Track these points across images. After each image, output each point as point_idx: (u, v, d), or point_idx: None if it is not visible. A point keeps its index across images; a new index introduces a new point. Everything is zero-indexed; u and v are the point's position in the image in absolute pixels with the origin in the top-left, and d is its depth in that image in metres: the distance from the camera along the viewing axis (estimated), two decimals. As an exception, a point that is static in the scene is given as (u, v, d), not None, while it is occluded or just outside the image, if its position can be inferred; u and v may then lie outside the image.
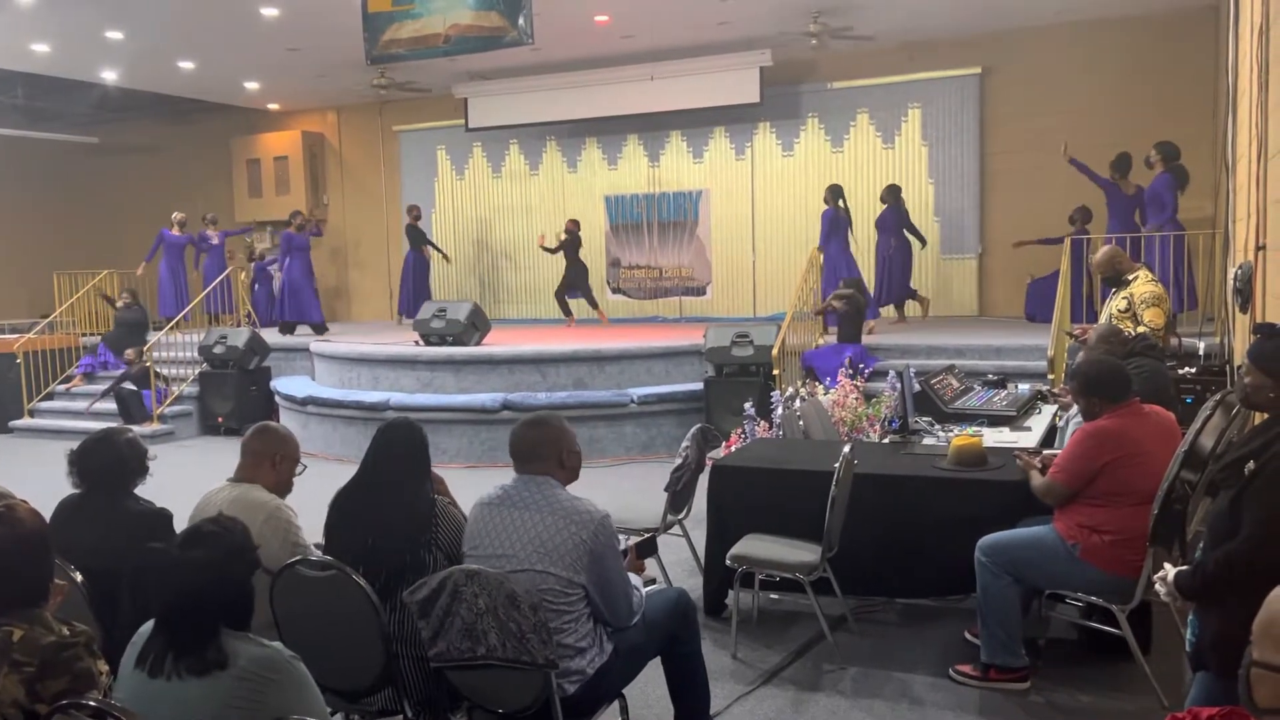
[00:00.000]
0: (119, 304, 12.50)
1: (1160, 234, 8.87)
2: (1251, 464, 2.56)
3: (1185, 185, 9.16)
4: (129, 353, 11.28)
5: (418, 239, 13.45)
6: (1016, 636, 3.95)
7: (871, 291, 10.60)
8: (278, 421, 7.71)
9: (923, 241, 11.12)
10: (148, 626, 2.25)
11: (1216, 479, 2.78)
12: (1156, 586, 2.84)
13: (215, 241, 13.67)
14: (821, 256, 10.48)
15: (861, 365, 7.85)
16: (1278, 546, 2.44)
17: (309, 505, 3.58)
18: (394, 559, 3.14)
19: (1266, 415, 2.72)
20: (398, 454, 3.32)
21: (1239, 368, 3.16)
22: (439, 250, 13.77)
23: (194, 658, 2.14)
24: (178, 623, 2.18)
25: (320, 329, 12.35)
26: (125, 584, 2.82)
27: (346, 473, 3.41)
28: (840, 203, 10.63)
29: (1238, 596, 2.33)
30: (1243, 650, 1.74)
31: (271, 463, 3.44)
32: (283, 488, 3.48)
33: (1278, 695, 1.66)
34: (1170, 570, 2.78)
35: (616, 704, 3.26)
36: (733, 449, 6.02)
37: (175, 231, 13.35)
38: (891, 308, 11.12)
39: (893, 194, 10.90)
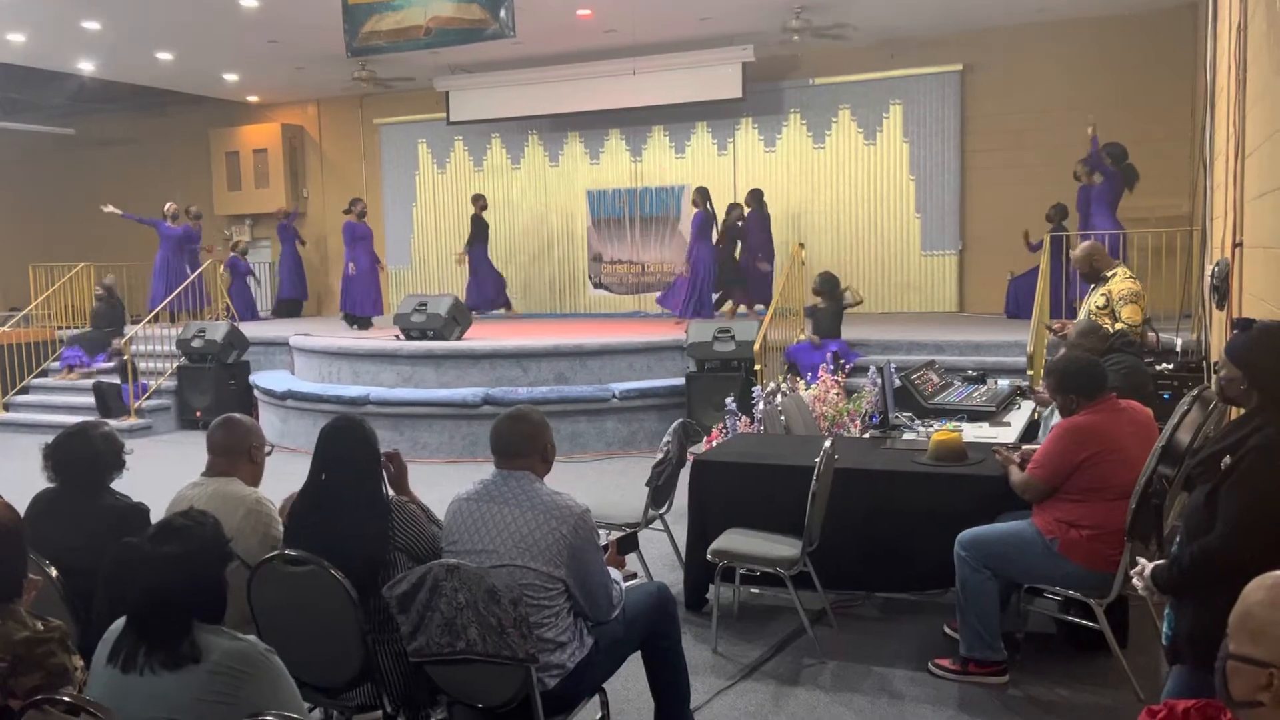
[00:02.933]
0: (98, 300, 12.37)
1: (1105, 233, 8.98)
2: (1228, 459, 2.58)
3: (1134, 184, 9.26)
4: (117, 343, 11.17)
5: (482, 231, 12.79)
6: (995, 631, 3.97)
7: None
8: (256, 416, 7.57)
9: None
10: (119, 622, 2.23)
11: (1193, 474, 2.79)
12: (1134, 581, 2.86)
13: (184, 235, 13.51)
14: (693, 258, 10.97)
15: (842, 360, 7.87)
16: (1253, 541, 2.46)
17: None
18: (353, 564, 3.03)
19: (1243, 410, 2.74)
20: (344, 458, 3.19)
21: (1215, 363, 3.19)
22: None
23: (166, 652, 2.12)
24: (150, 617, 2.15)
25: (366, 324, 12.10)
26: (100, 579, 2.79)
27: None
28: (708, 205, 11.03)
29: (1214, 590, 2.34)
30: (1219, 643, 1.76)
31: (248, 456, 3.42)
32: (259, 476, 3.46)
33: (1253, 687, 1.68)
34: (1147, 565, 2.81)
35: (597, 698, 3.27)
36: (714, 444, 6.02)
37: (170, 224, 13.23)
38: (743, 306, 11.42)
39: (755, 199, 11.22)
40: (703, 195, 11.09)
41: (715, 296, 11.13)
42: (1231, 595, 1.78)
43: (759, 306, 11.12)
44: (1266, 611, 1.69)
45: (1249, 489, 2.53)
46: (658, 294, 12.69)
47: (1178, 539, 2.77)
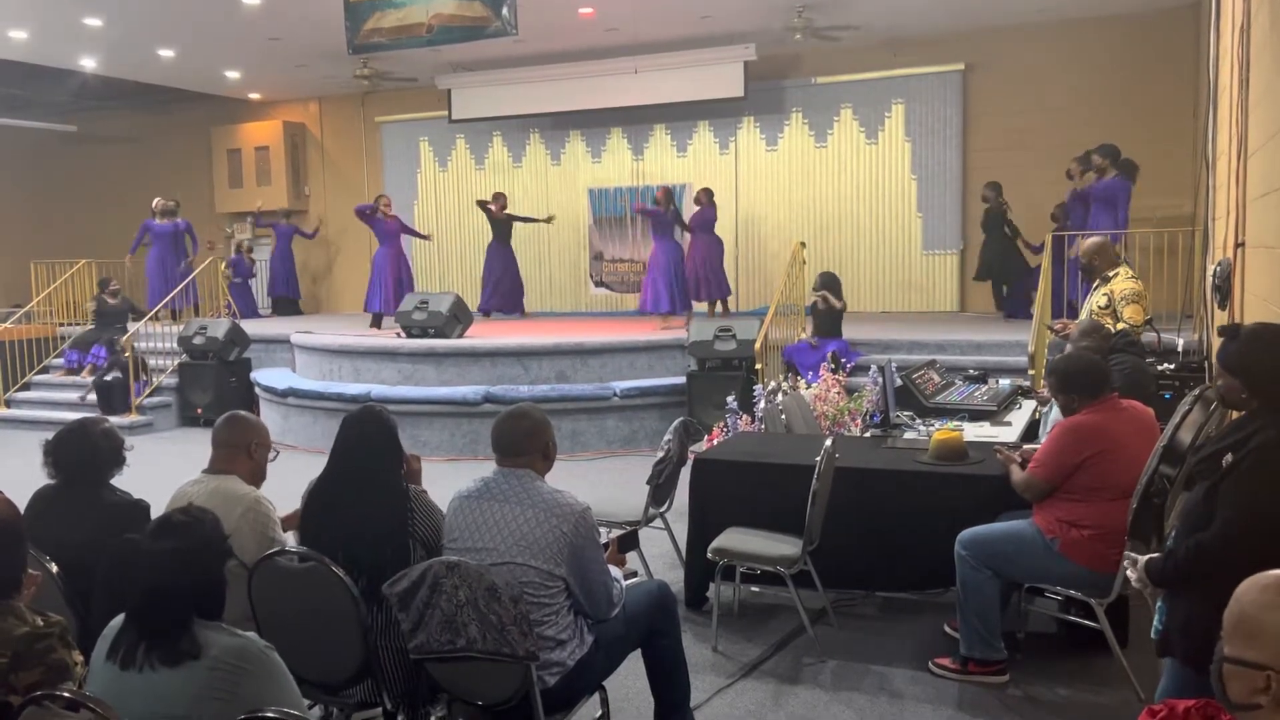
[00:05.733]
0: (107, 296, 12.27)
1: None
2: (1229, 457, 2.58)
3: (1135, 177, 9.23)
4: (124, 340, 11.17)
5: (505, 226, 12.43)
6: (995, 630, 3.97)
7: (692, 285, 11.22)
8: (257, 413, 7.53)
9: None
10: (119, 619, 2.23)
11: (1194, 472, 2.80)
12: (1127, 572, 2.86)
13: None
14: (658, 253, 11.15)
15: (843, 360, 7.86)
16: (1250, 539, 2.46)
17: (287, 496, 3.56)
18: (373, 554, 3.10)
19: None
20: (369, 446, 3.23)
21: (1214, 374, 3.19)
22: (532, 219, 12.71)
23: (165, 648, 2.12)
24: (148, 613, 2.16)
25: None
26: (100, 575, 2.80)
27: (326, 465, 3.38)
28: (671, 206, 11.22)
29: (1207, 585, 2.35)
30: (1210, 638, 1.76)
31: (247, 452, 3.42)
32: (259, 475, 3.45)
33: (1251, 690, 1.67)
34: (1140, 557, 2.81)
35: (597, 696, 3.26)
36: (715, 443, 6.02)
37: (160, 220, 13.13)
38: (707, 304, 11.44)
39: (707, 195, 11.35)
40: (668, 196, 11.23)
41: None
42: (1225, 591, 1.78)
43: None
44: (1262, 613, 1.68)
45: (1249, 487, 2.53)
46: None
47: (1173, 532, 2.77)
